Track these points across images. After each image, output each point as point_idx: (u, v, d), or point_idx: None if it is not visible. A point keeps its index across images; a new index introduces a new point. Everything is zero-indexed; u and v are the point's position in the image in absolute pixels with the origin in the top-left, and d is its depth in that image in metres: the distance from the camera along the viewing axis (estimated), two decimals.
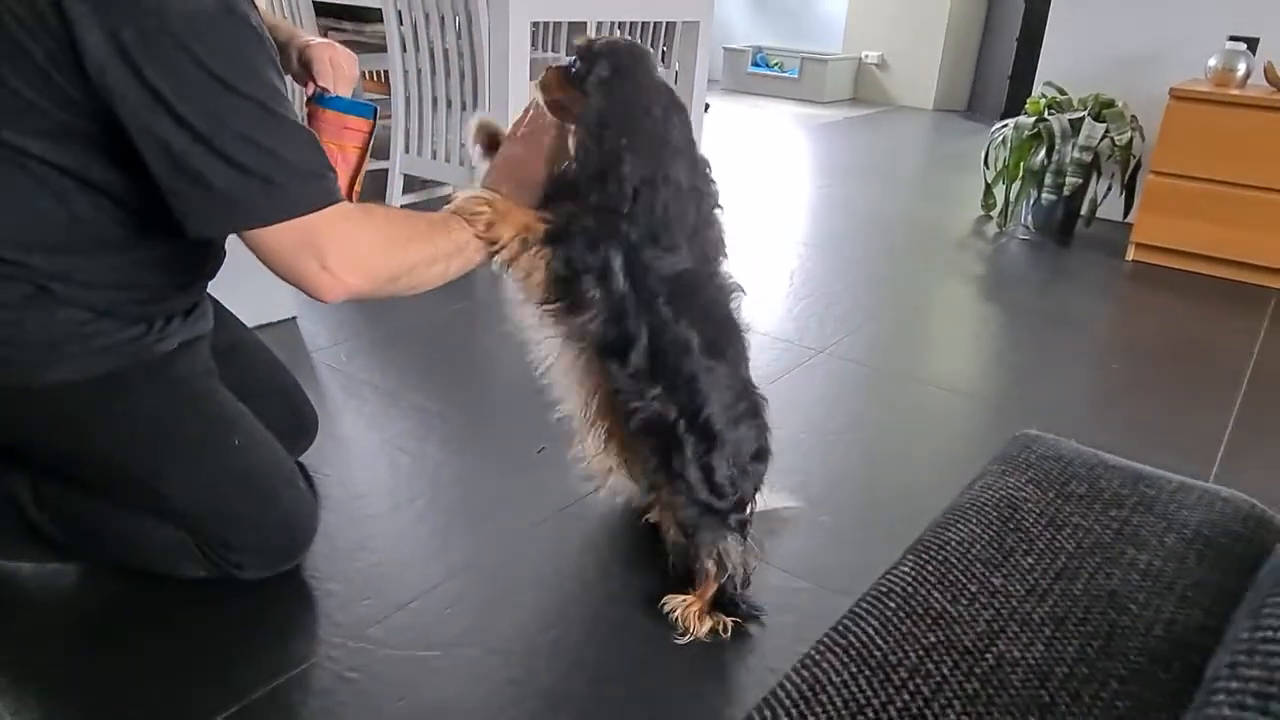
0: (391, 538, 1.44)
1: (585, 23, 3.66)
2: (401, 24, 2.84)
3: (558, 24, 3.91)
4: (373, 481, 1.59)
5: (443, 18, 2.73)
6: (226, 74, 0.97)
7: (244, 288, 1.49)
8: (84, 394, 1.13)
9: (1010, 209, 3.36)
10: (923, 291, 2.87)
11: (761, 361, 2.18)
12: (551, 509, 1.53)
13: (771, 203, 3.79)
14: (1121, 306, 2.89)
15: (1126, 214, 3.29)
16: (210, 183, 0.98)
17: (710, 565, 1.25)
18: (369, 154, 1.37)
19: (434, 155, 2.95)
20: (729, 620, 1.25)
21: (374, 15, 2.95)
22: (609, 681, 1.19)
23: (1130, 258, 3.12)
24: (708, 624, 1.25)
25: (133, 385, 1.16)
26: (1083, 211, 3.33)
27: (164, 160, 0.98)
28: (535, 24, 3.73)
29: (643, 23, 3.48)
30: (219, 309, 1.44)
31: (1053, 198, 3.22)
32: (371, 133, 1.35)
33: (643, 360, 1.19)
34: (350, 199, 1.37)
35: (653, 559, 1.39)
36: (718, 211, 1.24)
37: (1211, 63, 3.01)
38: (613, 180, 1.12)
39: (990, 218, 3.51)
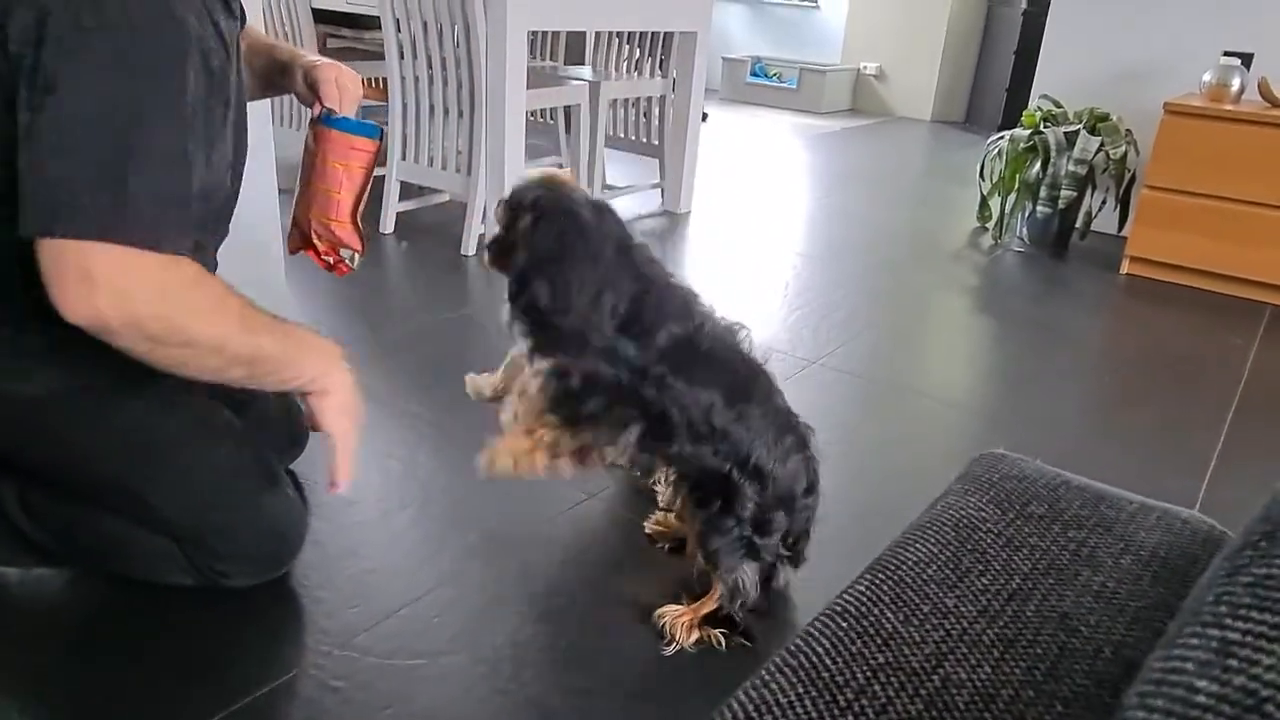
0: (381, 545, 1.44)
1: (584, 33, 3.67)
2: (400, 31, 2.85)
3: (555, 33, 3.93)
4: (363, 489, 1.58)
5: (441, 26, 2.74)
6: (125, 89, 0.93)
7: None
8: (69, 403, 1.13)
9: (1006, 221, 3.37)
10: (917, 303, 2.87)
11: None
12: (541, 518, 1.53)
13: (768, 213, 3.80)
14: (1115, 320, 2.89)
15: (1121, 227, 3.30)
16: (45, 170, 0.93)
17: (722, 588, 1.25)
18: (370, 175, 1.38)
19: (431, 162, 2.95)
20: (719, 634, 1.25)
21: (373, 22, 2.96)
22: (597, 693, 1.19)
23: (1125, 271, 3.13)
24: (695, 635, 1.25)
25: (119, 394, 1.16)
26: (1078, 224, 3.34)
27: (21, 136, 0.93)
28: (533, 33, 3.75)
29: (640, 33, 3.49)
30: None
31: (1048, 210, 3.23)
32: (377, 153, 1.36)
33: (685, 437, 1.21)
34: (354, 220, 1.39)
35: (641, 568, 1.39)
36: (672, 281, 1.26)
37: (1206, 78, 3.02)
38: (562, 305, 1.16)
39: (986, 230, 3.52)
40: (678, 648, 1.24)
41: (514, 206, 1.22)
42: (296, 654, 1.21)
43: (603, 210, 1.22)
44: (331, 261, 1.43)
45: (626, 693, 1.19)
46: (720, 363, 1.24)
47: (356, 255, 1.45)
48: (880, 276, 3.07)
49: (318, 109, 1.36)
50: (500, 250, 1.25)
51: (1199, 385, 2.30)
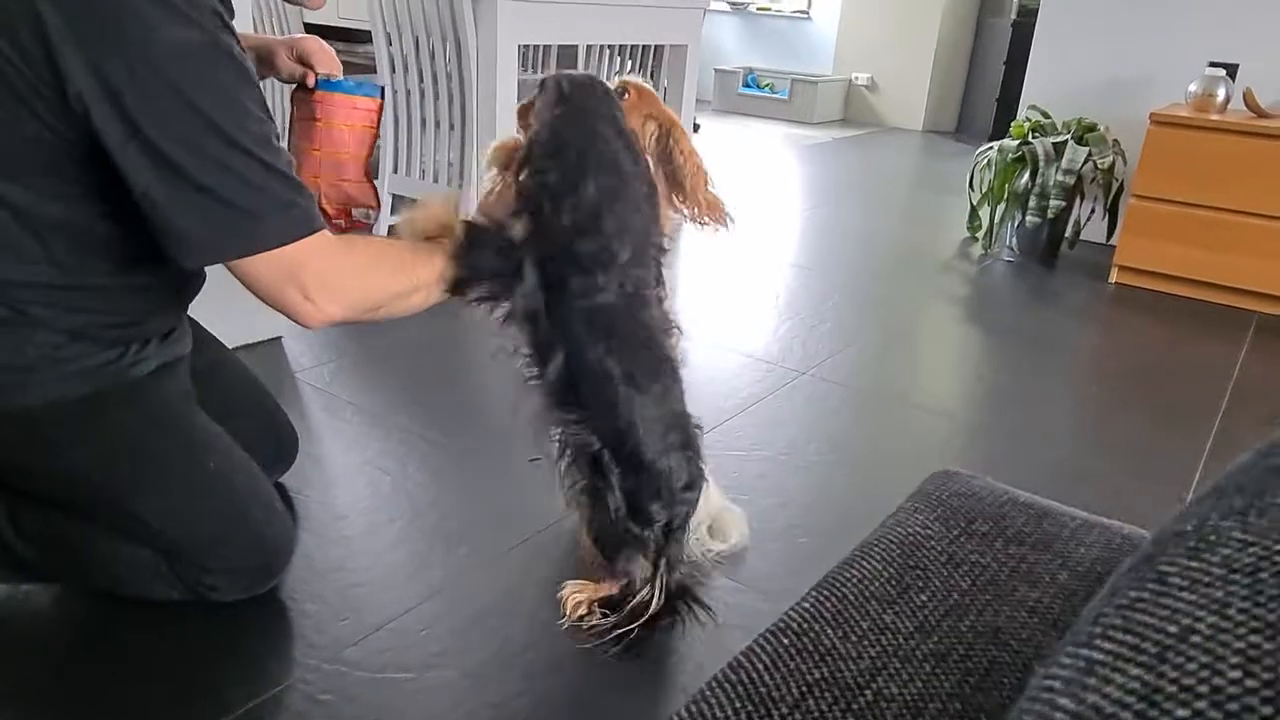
0: (370, 559, 1.44)
1: (575, 46, 3.69)
2: (391, 45, 2.87)
3: (547, 46, 3.95)
4: (352, 502, 1.59)
5: (432, 40, 2.75)
6: (208, 107, 0.98)
7: (227, 309, 1.51)
8: (58, 417, 1.14)
9: (995, 231, 3.39)
10: (907, 313, 2.89)
11: (744, 383, 2.19)
12: (530, 531, 1.54)
13: (759, 223, 3.82)
14: (1103, 329, 2.91)
15: (1109, 237, 3.32)
16: (190, 216, 1.00)
17: (617, 579, 1.29)
18: (379, 132, 1.42)
19: (423, 175, 2.97)
20: (609, 621, 1.27)
21: (365, 37, 2.98)
22: (584, 705, 1.19)
23: (1113, 280, 3.15)
24: (583, 613, 1.29)
25: (107, 409, 1.17)
26: (1066, 234, 3.36)
27: (145, 194, 0.99)
28: (524, 46, 3.77)
29: (631, 45, 3.51)
30: (199, 330, 1.45)
31: (1037, 220, 3.25)
32: (380, 111, 1.40)
33: (557, 377, 1.20)
34: (367, 177, 1.44)
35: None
36: (664, 244, 1.26)
37: (1192, 88, 3.05)
38: (543, 193, 1.15)
39: (975, 239, 3.54)
40: (566, 621, 1.29)
41: (542, 85, 1.21)
42: (284, 667, 1.21)
43: (633, 148, 1.21)
44: (344, 224, 1.46)
45: (614, 706, 1.19)
46: (639, 340, 1.24)
47: (372, 212, 1.49)
48: (870, 287, 3.08)
49: (311, 78, 1.40)
50: (526, 111, 1.26)
51: (1186, 393, 2.32)
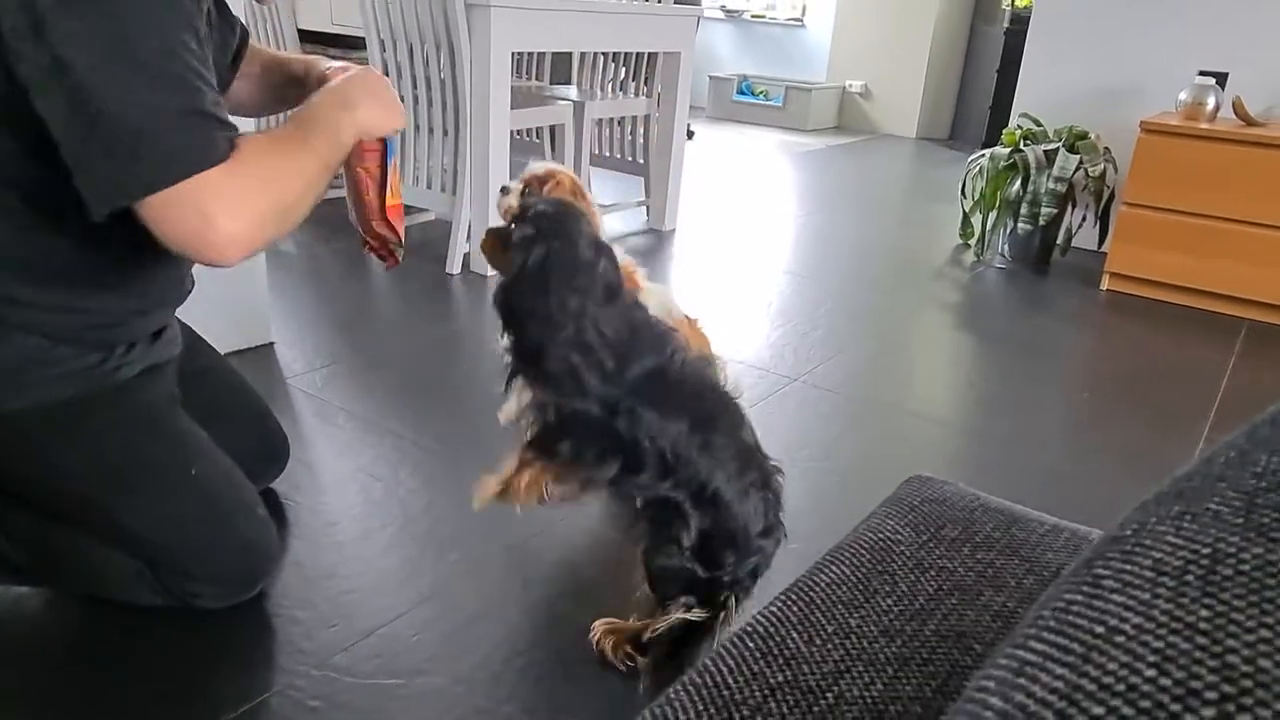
0: (361, 565, 1.45)
1: (570, 53, 3.71)
2: (385, 52, 2.88)
3: (541, 53, 3.96)
4: (343, 508, 1.59)
5: (426, 47, 2.76)
6: (127, 28, 0.94)
7: (220, 314, 1.51)
8: (42, 420, 1.14)
9: (987, 238, 3.41)
10: (899, 320, 2.90)
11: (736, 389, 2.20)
12: (520, 537, 1.54)
13: (753, 230, 3.83)
14: (1095, 335, 2.92)
15: (1101, 244, 3.34)
16: (89, 146, 0.95)
17: (660, 614, 1.23)
18: (392, 170, 1.38)
19: (416, 181, 2.98)
20: (642, 660, 1.23)
21: (359, 43, 2.99)
22: (574, 712, 1.19)
23: (1105, 287, 3.17)
24: (619, 653, 1.24)
25: (92, 412, 1.17)
26: (1058, 241, 3.38)
27: (59, 119, 0.95)
28: (518, 53, 3.78)
29: (625, 53, 3.53)
30: (190, 335, 1.45)
31: (1029, 227, 3.26)
32: (384, 150, 1.36)
33: (654, 469, 1.18)
34: (384, 214, 1.38)
35: (620, 587, 1.39)
36: (651, 317, 1.25)
37: (1182, 97, 3.07)
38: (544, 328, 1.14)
39: (968, 247, 3.56)
40: (599, 657, 1.25)
41: (523, 212, 1.19)
42: (274, 674, 1.21)
43: (602, 250, 1.19)
44: (385, 259, 1.45)
45: (605, 713, 1.20)
46: (690, 393, 1.23)
47: (399, 246, 1.46)
48: (863, 293, 3.10)
49: None
50: (498, 241, 1.21)
51: (1177, 400, 2.33)
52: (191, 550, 1.24)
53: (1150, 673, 0.24)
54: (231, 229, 1.01)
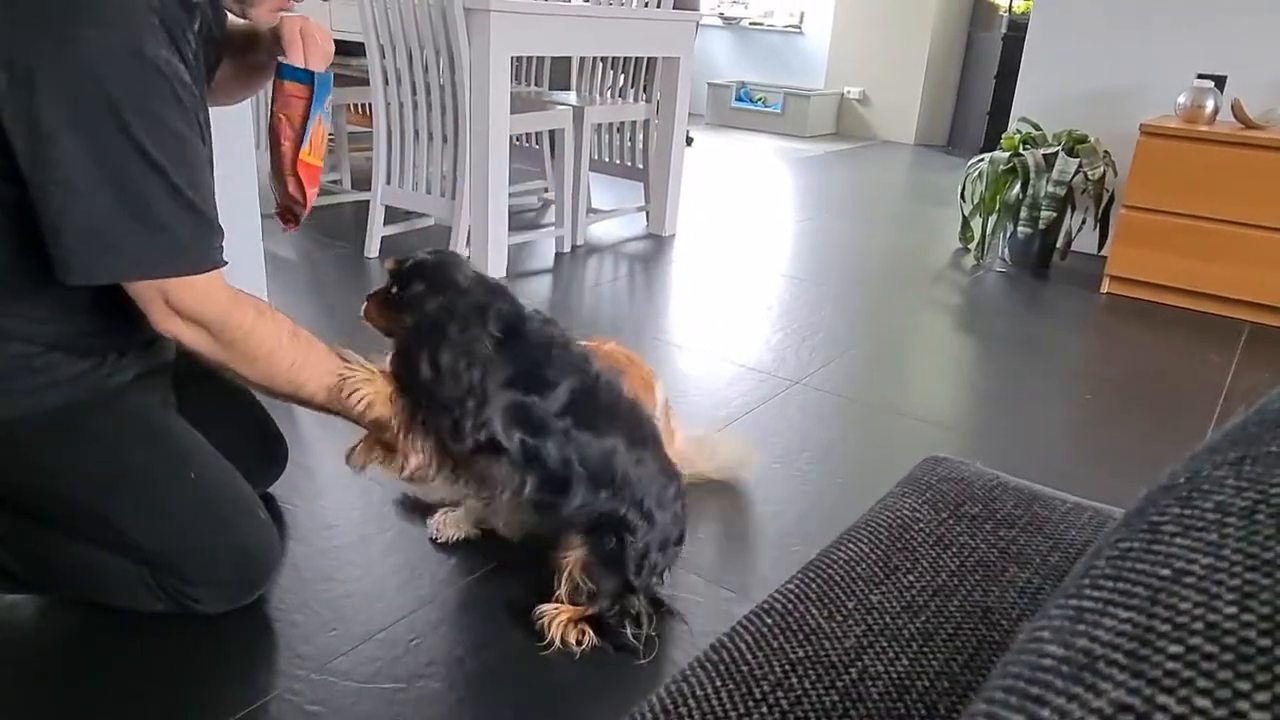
0: (359, 569, 1.43)
1: (569, 58, 3.71)
2: (384, 58, 2.87)
3: (540, 58, 3.96)
4: (343, 512, 1.57)
5: (425, 53, 2.76)
6: (126, 119, 0.95)
7: None
8: (36, 428, 1.12)
9: (987, 242, 3.40)
10: (900, 323, 2.89)
11: (737, 392, 2.19)
12: (519, 540, 1.52)
13: (753, 235, 3.82)
14: (1096, 338, 2.91)
15: (1101, 247, 3.33)
16: (78, 226, 0.98)
17: (604, 601, 1.28)
18: (313, 120, 1.30)
19: (415, 187, 2.97)
20: (594, 638, 1.27)
21: (358, 48, 2.98)
22: (574, 717, 1.18)
23: (1105, 290, 3.16)
24: (573, 634, 1.27)
25: (86, 419, 1.15)
26: (1058, 244, 3.37)
27: (40, 198, 0.97)
28: (517, 58, 3.78)
29: (624, 58, 3.53)
30: None
31: (1028, 231, 3.26)
32: (309, 98, 1.29)
33: (585, 488, 1.23)
34: (296, 166, 1.33)
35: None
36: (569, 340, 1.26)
37: (1181, 99, 3.07)
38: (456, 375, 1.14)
39: (968, 250, 3.55)
40: (554, 646, 1.26)
41: (406, 270, 1.20)
42: (273, 678, 1.19)
43: (494, 290, 1.21)
44: (285, 220, 1.40)
45: (607, 713, 1.18)
46: (618, 412, 1.27)
47: (302, 208, 1.39)
48: (863, 297, 3.09)
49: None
50: (382, 304, 1.23)
51: (1179, 402, 2.32)
52: (189, 556, 1.22)
53: (1231, 610, 0.22)
54: (177, 329, 1.09)
